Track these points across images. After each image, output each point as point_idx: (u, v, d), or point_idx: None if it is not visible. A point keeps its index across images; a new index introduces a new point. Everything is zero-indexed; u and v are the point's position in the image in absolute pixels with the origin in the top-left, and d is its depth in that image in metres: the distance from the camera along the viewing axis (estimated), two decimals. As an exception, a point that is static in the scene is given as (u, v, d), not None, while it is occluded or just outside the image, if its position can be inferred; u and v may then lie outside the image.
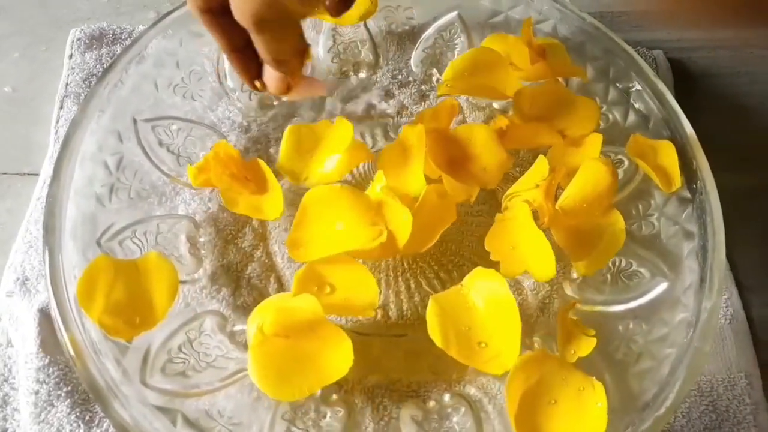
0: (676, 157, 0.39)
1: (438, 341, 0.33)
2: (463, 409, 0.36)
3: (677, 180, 0.39)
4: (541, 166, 0.37)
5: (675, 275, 0.37)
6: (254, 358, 0.32)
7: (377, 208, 0.35)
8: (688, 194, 0.39)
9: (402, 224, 0.34)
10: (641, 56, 0.51)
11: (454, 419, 0.35)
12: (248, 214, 0.40)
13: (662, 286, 0.37)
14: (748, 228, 0.45)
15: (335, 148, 0.39)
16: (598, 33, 0.44)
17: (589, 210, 0.37)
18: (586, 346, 0.34)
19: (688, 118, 0.42)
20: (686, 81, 0.53)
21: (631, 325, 0.37)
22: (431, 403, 0.36)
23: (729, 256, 0.43)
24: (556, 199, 0.37)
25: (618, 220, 0.37)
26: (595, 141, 0.39)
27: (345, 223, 0.36)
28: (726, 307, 0.41)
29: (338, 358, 0.32)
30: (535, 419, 0.31)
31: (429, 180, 0.37)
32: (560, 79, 0.43)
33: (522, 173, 0.39)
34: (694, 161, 0.38)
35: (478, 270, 0.35)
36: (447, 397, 0.36)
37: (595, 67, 0.44)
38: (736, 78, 0.53)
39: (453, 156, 0.39)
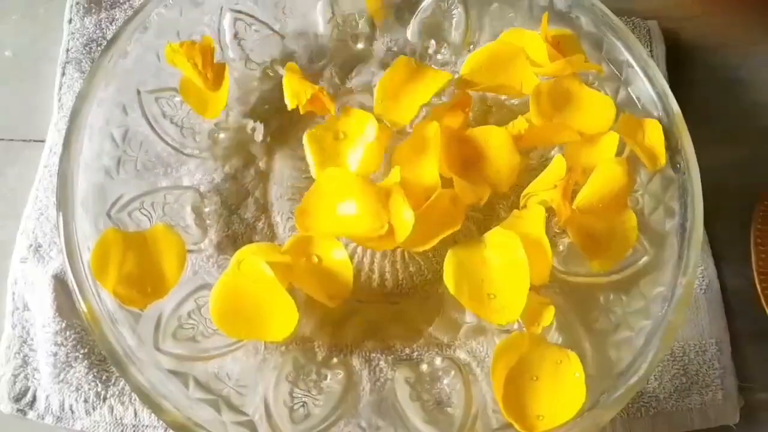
0: (662, 136, 0.41)
1: (452, 288, 0.35)
2: (453, 372, 0.38)
3: (662, 158, 0.40)
4: (557, 166, 0.38)
5: (655, 250, 0.39)
6: (220, 285, 0.35)
7: (385, 200, 0.36)
8: (671, 173, 0.40)
9: (404, 223, 0.35)
10: (636, 27, 0.52)
11: (445, 381, 0.38)
12: (191, 105, 0.41)
13: (643, 261, 0.39)
14: (728, 200, 0.46)
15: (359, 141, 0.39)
16: (593, 8, 0.44)
17: (605, 210, 0.38)
18: (547, 315, 0.36)
19: (679, 89, 0.43)
20: (679, 51, 0.54)
21: (611, 297, 0.39)
22: (424, 367, 0.39)
23: (708, 227, 0.45)
24: (572, 197, 0.38)
25: (630, 218, 0.39)
26: (612, 140, 0.40)
27: (353, 206, 0.37)
28: (702, 277, 0.44)
29: (282, 323, 0.34)
30: (521, 397, 0.34)
31: (442, 179, 0.38)
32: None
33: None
34: (678, 141, 0.40)
35: (498, 230, 0.37)
36: (438, 360, 0.39)
37: (590, 41, 0.45)
38: (728, 49, 0.54)
39: (467, 157, 0.40)
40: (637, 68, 0.43)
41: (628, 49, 0.43)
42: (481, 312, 0.36)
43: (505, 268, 0.36)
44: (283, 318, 0.35)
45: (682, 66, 0.53)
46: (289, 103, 0.40)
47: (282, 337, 0.35)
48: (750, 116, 0.51)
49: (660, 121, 0.41)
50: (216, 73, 0.41)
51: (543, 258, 0.36)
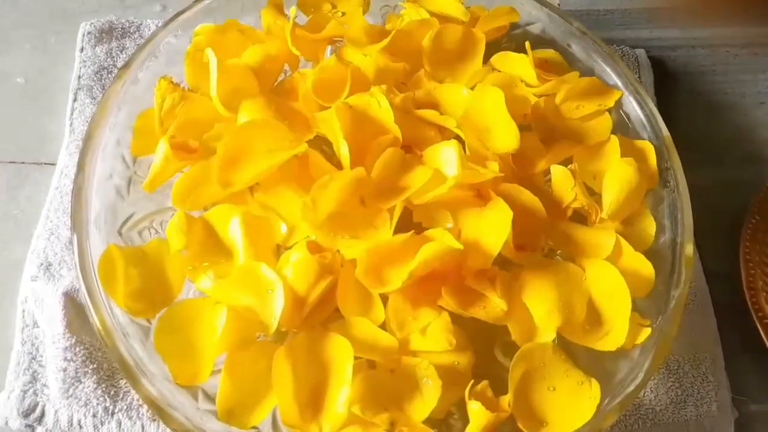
0: (654, 156, 0.42)
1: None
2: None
3: (656, 177, 0.42)
4: (562, 176, 0.40)
5: (649, 265, 0.41)
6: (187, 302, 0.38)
7: None
8: (662, 191, 0.42)
9: None
10: (625, 55, 0.55)
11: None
12: (135, 133, 0.42)
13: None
14: (718, 219, 0.49)
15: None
16: (584, 37, 0.47)
17: (628, 212, 0.40)
18: (642, 335, 0.37)
19: (667, 114, 0.45)
20: (666, 78, 0.56)
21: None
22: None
23: (699, 246, 0.47)
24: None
25: (650, 223, 0.41)
26: (613, 144, 0.42)
27: None
28: (694, 293, 0.45)
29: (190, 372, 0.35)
30: (532, 399, 0.35)
31: None
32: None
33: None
34: (669, 162, 0.42)
35: (597, 261, 0.38)
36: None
37: (581, 68, 0.47)
38: (712, 76, 0.57)
39: None
40: (626, 93, 0.45)
41: (618, 74, 0.45)
42: (583, 341, 0.37)
43: (606, 298, 0.37)
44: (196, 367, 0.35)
45: (669, 92, 0.55)
46: None
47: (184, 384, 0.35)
48: (733, 140, 0.54)
49: (650, 141, 0.43)
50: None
51: (647, 272, 0.38)
